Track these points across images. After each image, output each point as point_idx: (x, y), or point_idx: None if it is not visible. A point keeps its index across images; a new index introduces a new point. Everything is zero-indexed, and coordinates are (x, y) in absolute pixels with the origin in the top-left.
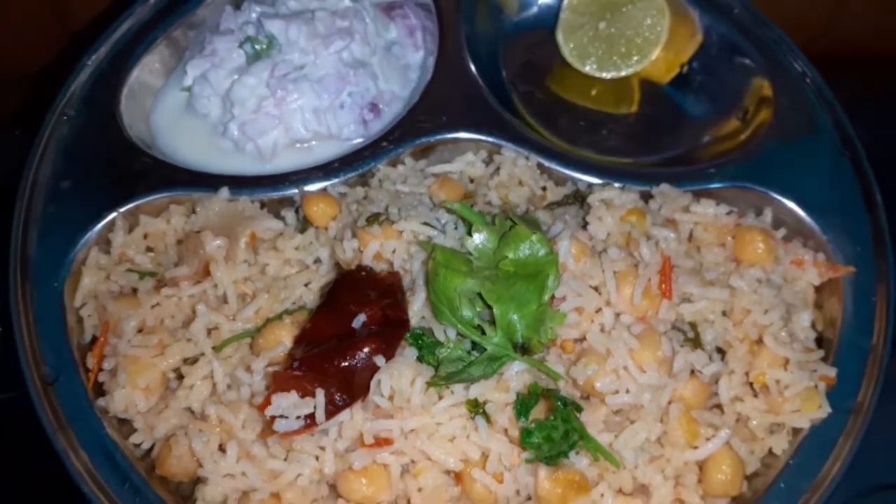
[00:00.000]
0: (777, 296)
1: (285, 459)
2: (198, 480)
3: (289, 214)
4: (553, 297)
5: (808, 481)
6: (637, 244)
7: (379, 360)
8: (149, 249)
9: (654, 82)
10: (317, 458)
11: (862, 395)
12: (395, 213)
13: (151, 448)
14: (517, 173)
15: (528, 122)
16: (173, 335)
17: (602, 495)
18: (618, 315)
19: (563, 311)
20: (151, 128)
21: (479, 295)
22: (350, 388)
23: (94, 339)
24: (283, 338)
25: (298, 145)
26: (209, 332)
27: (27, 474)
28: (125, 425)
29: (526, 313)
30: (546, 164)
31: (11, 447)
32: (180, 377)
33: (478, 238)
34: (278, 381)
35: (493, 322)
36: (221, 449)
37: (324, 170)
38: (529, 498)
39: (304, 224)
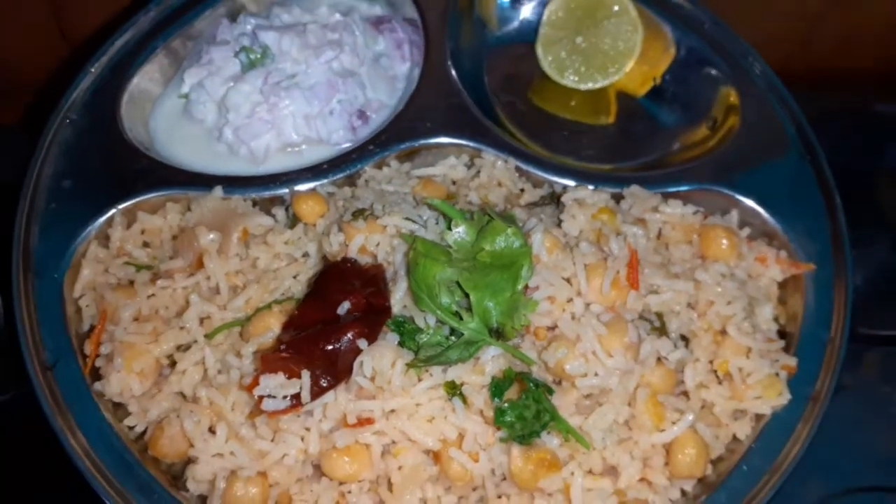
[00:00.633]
0: (740, 289)
1: (272, 440)
2: (188, 461)
3: (279, 212)
4: (527, 286)
5: (768, 463)
6: (607, 240)
7: (362, 343)
8: (145, 244)
9: (631, 95)
10: (302, 438)
11: (820, 383)
12: (379, 210)
13: (144, 432)
14: (496, 175)
15: (511, 131)
16: (167, 324)
17: (572, 473)
18: (588, 305)
19: (535, 299)
20: (150, 132)
21: (458, 284)
22: (334, 371)
23: (92, 328)
24: (272, 325)
25: (290, 149)
26: (201, 321)
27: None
28: (120, 409)
29: (501, 300)
30: (524, 167)
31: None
32: (173, 364)
33: (457, 232)
34: (266, 363)
35: (469, 309)
36: (211, 431)
37: (313, 171)
38: (505, 478)
39: (294, 221)
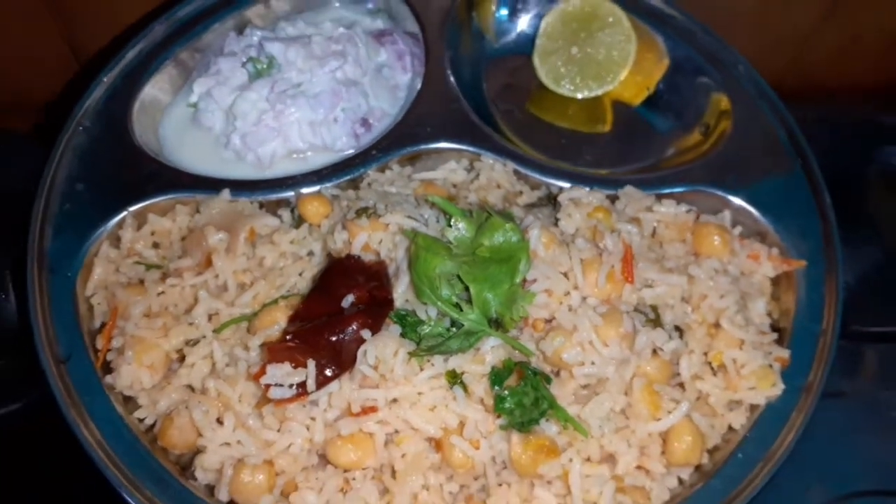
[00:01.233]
0: (733, 284)
1: (278, 430)
2: (197, 451)
3: (285, 213)
4: (525, 280)
5: (763, 452)
6: (602, 236)
7: (366, 333)
8: (155, 245)
9: (626, 104)
10: (307, 427)
11: (812, 374)
12: (381, 208)
13: (154, 424)
14: (495, 177)
15: (510, 138)
16: (176, 319)
17: (571, 460)
18: (584, 298)
19: (533, 291)
20: (160, 139)
21: (458, 277)
22: (339, 360)
23: (103, 325)
24: (279, 318)
25: (295, 155)
26: (210, 317)
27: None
28: (130, 402)
29: (499, 292)
30: (522, 170)
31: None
32: (182, 359)
33: (456, 228)
34: (272, 353)
35: (469, 301)
36: (219, 421)
37: (317, 175)
38: (505, 466)
39: (299, 222)
